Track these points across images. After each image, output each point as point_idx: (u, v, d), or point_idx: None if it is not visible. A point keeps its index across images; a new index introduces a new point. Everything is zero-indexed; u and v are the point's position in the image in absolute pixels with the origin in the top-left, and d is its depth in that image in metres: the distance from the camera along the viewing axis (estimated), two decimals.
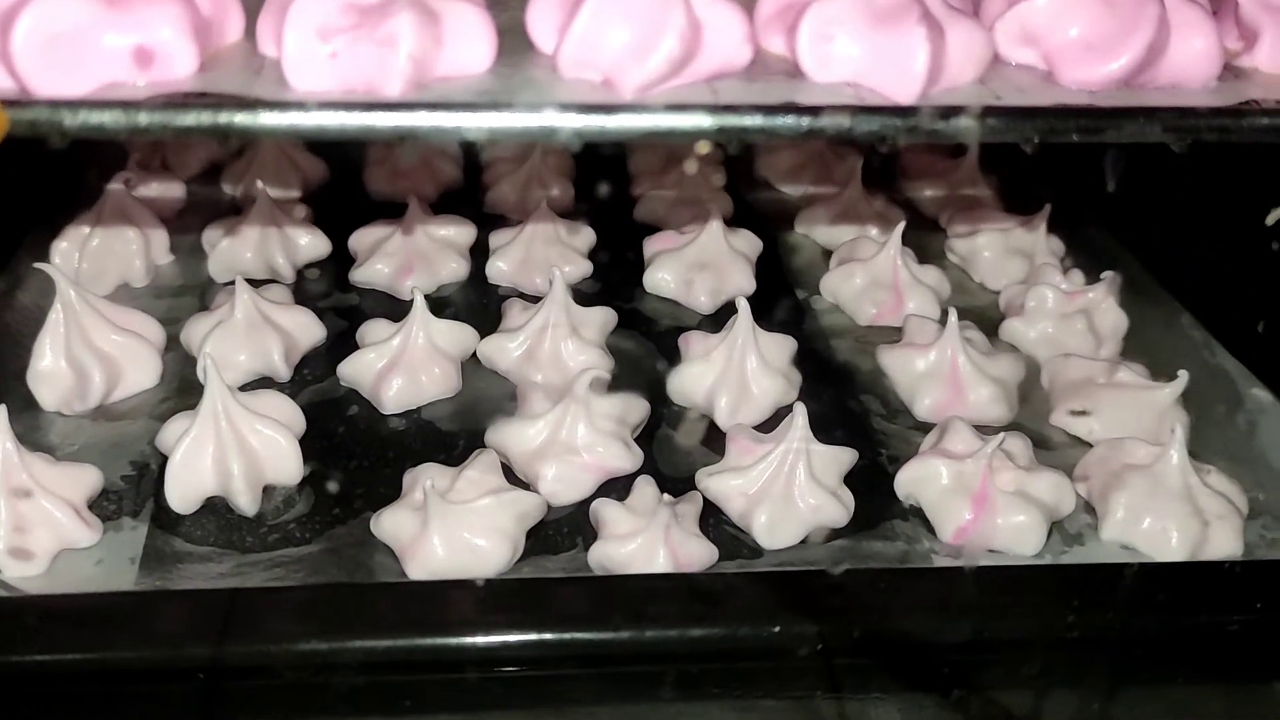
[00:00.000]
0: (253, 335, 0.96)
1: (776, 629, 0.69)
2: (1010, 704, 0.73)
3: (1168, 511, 0.86)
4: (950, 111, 0.59)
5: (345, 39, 0.60)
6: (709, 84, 0.64)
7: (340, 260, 1.13)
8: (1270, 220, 0.76)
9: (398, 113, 0.57)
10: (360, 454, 0.91)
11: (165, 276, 1.10)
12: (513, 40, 0.66)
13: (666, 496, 0.83)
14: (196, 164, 1.24)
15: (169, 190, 1.19)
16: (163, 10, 0.59)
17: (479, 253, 1.13)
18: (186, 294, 1.08)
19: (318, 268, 1.12)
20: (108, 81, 0.58)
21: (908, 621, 0.71)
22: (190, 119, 0.55)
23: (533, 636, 0.69)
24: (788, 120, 0.59)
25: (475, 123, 0.57)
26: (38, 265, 0.96)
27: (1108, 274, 1.07)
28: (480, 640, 0.69)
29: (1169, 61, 0.67)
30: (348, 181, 1.24)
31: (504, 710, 0.75)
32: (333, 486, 0.87)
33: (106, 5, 0.58)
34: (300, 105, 0.56)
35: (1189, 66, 0.68)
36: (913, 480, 0.89)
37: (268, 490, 0.86)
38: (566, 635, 0.70)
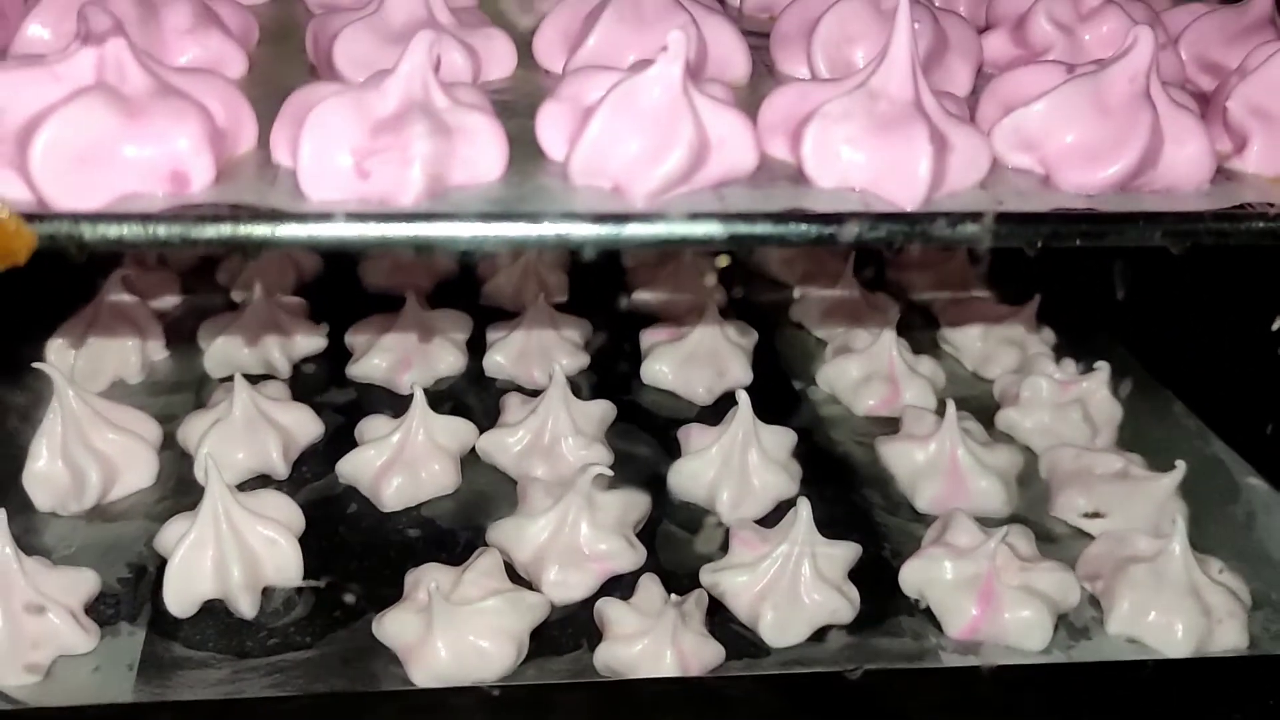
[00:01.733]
0: (251, 433, 0.95)
1: None
2: None
3: (1172, 605, 0.86)
4: (959, 219, 0.60)
5: (361, 150, 0.60)
6: (716, 190, 0.65)
7: (337, 354, 1.12)
8: (1277, 326, 0.78)
9: (416, 224, 0.57)
10: (361, 554, 0.90)
11: (160, 373, 1.10)
12: (522, 148, 0.66)
13: (673, 596, 0.82)
14: (192, 259, 1.24)
15: (164, 286, 1.19)
16: (181, 122, 0.60)
17: (476, 346, 1.14)
18: (182, 390, 1.07)
19: (314, 362, 1.12)
20: (125, 193, 0.59)
21: None
22: (210, 232, 0.55)
23: None
24: (799, 228, 0.60)
25: (494, 233, 0.57)
26: (35, 365, 0.95)
27: (1100, 364, 1.08)
28: None
29: (1164, 165, 0.69)
30: (343, 275, 1.24)
31: None
32: (333, 588, 0.86)
33: (125, 117, 0.59)
34: (321, 217, 0.56)
35: (1183, 170, 0.69)
36: (918, 576, 0.89)
37: (267, 592, 0.85)
38: None
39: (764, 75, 0.82)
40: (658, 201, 0.63)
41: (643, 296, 1.23)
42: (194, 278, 1.23)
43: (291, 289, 1.20)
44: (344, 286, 1.23)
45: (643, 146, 0.63)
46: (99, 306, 1.08)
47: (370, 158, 0.60)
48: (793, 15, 0.83)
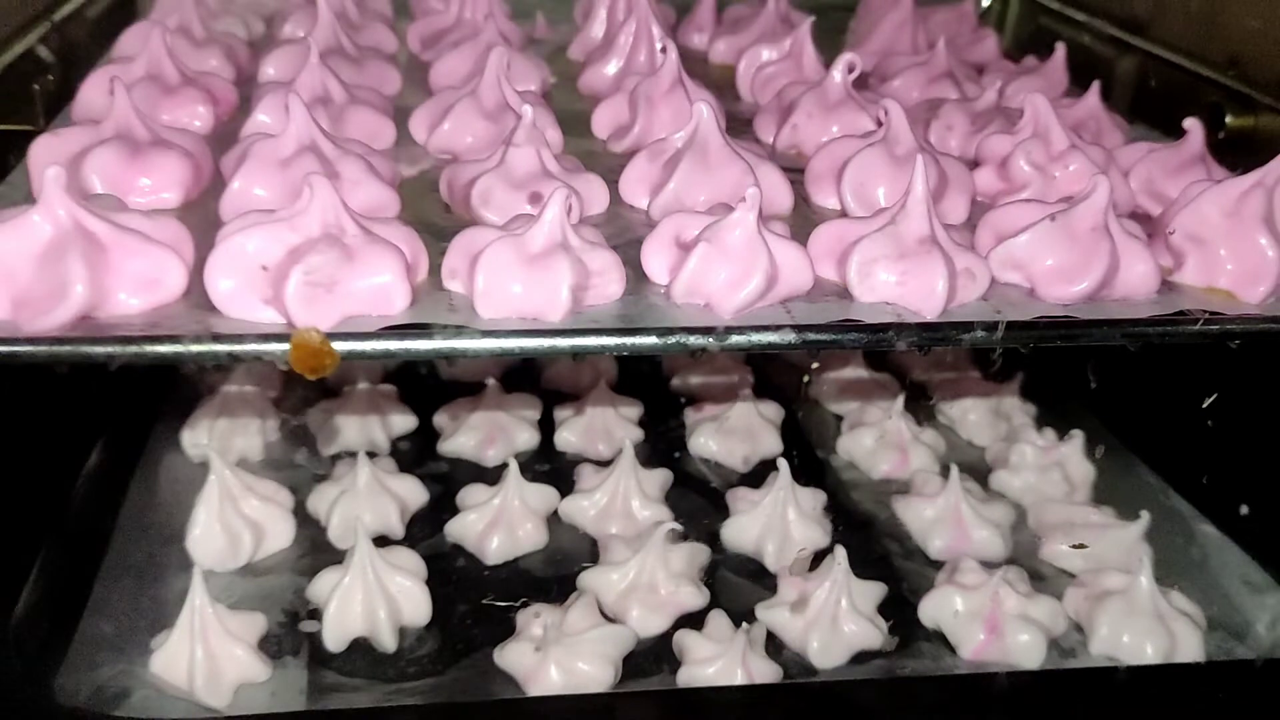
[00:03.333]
0: (373, 500, 1.14)
1: None
2: None
3: (1142, 629, 1.05)
4: (971, 326, 0.81)
5: (522, 279, 0.80)
6: (784, 304, 0.85)
7: (426, 433, 1.31)
8: (1205, 405, 0.99)
9: (568, 338, 0.77)
10: (473, 598, 1.08)
11: (277, 451, 1.28)
12: (630, 272, 0.86)
13: (744, 625, 1.01)
14: None
15: (271, 377, 1.37)
16: (386, 261, 0.80)
17: (545, 424, 1.33)
18: (299, 466, 1.25)
19: (408, 440, 1.31)
20: (348, 316, 0.78)
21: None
22: (426, 346, 0.75)
23: None
24: (852, 336, 0.80)
25: (638, 341, 0.77)
26: (195, 447, 1.14)
27: (1075, 432, 1.29)
28: None
29: (1120, 281, 0.89)
30: (424, 366, 1.43)
31: None
32: (455, 626, 1.04)
33: (347, 260, 0.79)
34: (507, 334, 0.76)
35: (1136, 284, 0.90)
36: (934, 608, 1.08)
37: (403, 630, 1.03)
38: None
39: (802, 206, 1.03)
40: (740, 315, 0.83)
41: (683, 378, 1.43)
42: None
43: (379, 378, 1.38)
44: (424, 376, 1.42)
45: (729, 275, 0.83)
46: (225, 396, 1.27)
47: (529, 285, 0.80)
48: (823, 159, 1.04)
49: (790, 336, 0.80)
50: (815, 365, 1.44)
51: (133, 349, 0.72)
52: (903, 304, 0.85)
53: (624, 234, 0.93)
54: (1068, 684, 0.96)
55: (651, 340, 0.78)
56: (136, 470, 1.22)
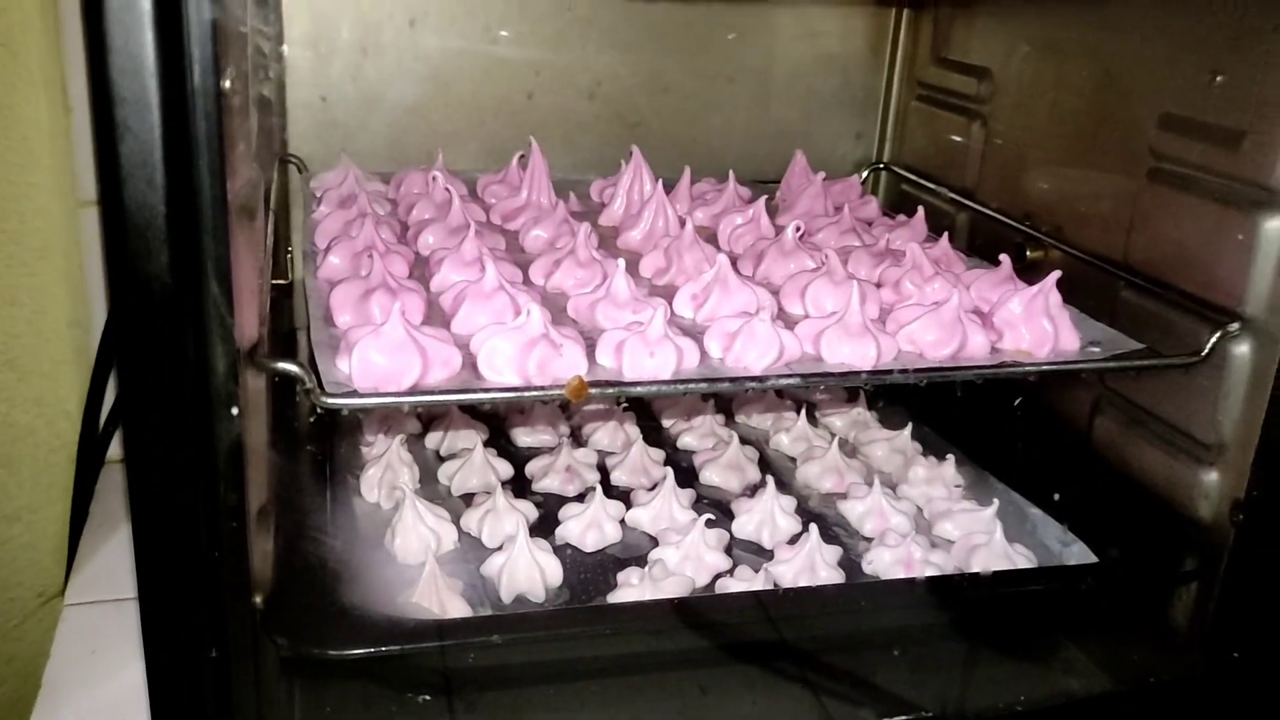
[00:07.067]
0: (507, 516, 1.74)
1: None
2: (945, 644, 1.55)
3: (999, 566, 1.72)
4: (889, 373, 1.48)
5: (647, 354, 1.44)
6: (787, 364, 1.51)
7: (519, 479, 1.92)
8: (1015, 404, 1.68)
9: (683, 384, 1.41)
10: (582, 570, 1.68)
11: (423, 493, 1.87)
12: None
13: (763, 566, 1.64)
14: (411, 426, 2.02)
15: (404, 441, 1.96)
16: (576, 347, 1.43)
17: (601, 468, 1.95)
18: (443, 500, 1.84)
19: (509, 484, 1.91)
20: (557, 378, 1.41)
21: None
22: (613, 391, 1.37)
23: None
24: (826, 379, 1.46)
25: (720, 386, 1.41)
26: (400, 487, 1.73)
27: (949, 457, 1.97)
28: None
29: (969, 346, 1.58)
30: (502, 437, 2.05)
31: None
32: (579, 584, 1.64)
33: (554, 348, 1.42)
34: (651, 383, 1.39)
35: (977, 350, 1.59)
36: (871, 560, 1.73)
37: (546, 588, 1.63)
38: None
39: (778, 310, 1.70)
40: (766, 371, 1.48)
41: (686, 439, 2.08)
42: (411, 440, 2.01)
43: (485, 443, 1.98)
44: (509, 443, 2.03)
45: (758, 351, 1.49)
46: (389, 453, 1.86)
47: (649, 358, 1.44)
48: (790, 285, 1.72)
49: (796, 381, 1.46)
50: (772, 424, 2.12)
51: (496, 395, 1.34)
52: (852, 363, 1.52)
53: (689, 330, 1.59)
54: (952, 583, 1.62)
55: (727, 385, 1.43)
56: (337, 505, 1.80)
